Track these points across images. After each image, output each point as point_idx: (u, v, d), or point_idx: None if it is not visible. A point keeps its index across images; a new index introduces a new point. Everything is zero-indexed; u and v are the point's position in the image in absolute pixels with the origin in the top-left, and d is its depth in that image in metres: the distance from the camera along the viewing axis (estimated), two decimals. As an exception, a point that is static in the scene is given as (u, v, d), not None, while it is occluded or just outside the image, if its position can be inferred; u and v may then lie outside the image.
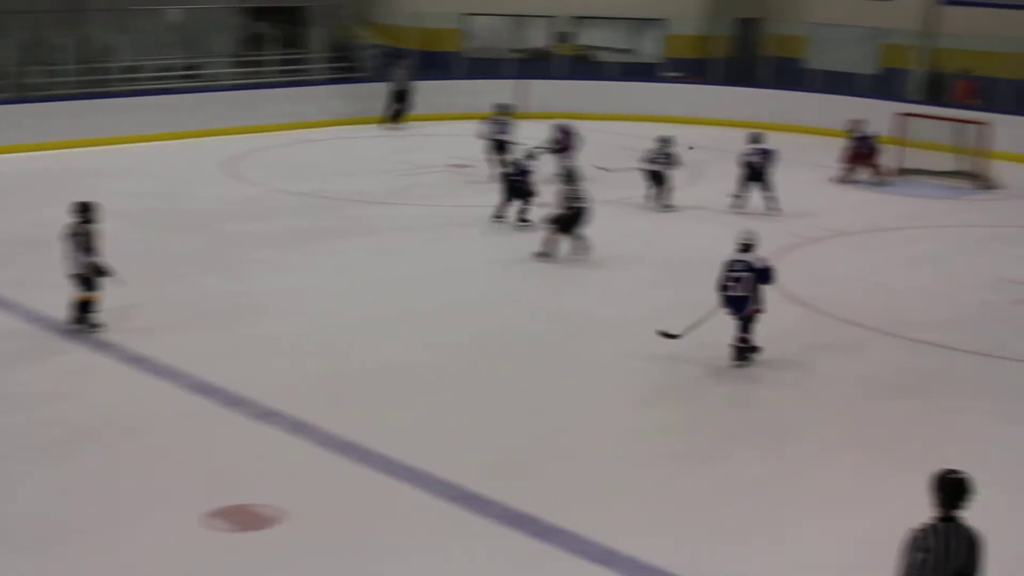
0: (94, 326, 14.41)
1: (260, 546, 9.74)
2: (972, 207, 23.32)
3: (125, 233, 17.75)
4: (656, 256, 18.89)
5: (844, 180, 24.87)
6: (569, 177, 18.83)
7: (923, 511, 7.31)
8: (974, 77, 30.09)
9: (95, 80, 28.55)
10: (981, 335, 15.49)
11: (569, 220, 18.34)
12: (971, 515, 7.25)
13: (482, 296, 16.69)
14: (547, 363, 14.26)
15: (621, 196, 22.10)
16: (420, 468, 11.06)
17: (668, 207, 21.90)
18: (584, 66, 33.31)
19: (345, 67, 32.67)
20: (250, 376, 13.24)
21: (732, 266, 14.02)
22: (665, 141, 22.17)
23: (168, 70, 30.18)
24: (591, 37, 34.10)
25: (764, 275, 14.01)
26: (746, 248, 14.09)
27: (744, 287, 13.91)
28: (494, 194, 20.75)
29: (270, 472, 11.04)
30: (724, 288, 14.02)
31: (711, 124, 29.28)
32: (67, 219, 14.28)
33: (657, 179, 22.09)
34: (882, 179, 24.89)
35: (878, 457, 11.76)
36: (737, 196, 22.10)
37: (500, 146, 24.29)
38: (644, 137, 25.89)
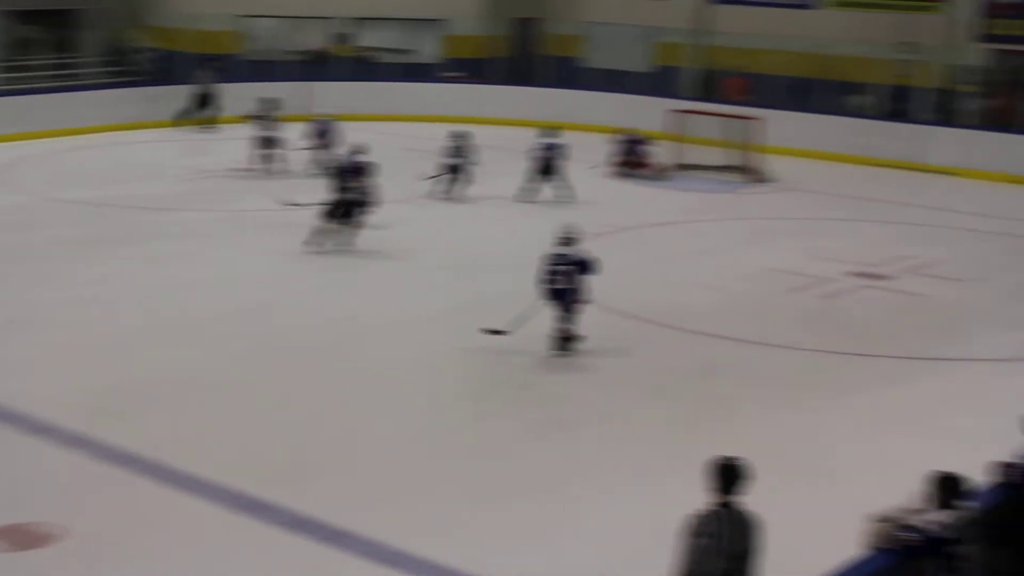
0: None
1: (38, 565, 9.46)
2: (746, 200, 23.98)
3: None
4: (448, 252, 18.97)
5: (617, 177, 25.45)
6: (338, 171, 19.13)
7: (704, 497, 7.50)
8: (744, 74, 30.94)
9: None
10: (756, 325, 15.94)
11: (339, 210, 18.57)
12: (749, 500, 7.47)
13: (266, 300, 16.48)
14: (333, 366, 14.18)
15: (407, 194, 22.09)
16: (203, 477, 10.89)
17: (459, 200, 22.41)
18: (364, 67, 33.20)
19: (120, 71, 31.95)
20: (21, 390, 12.83)
21: (554, 259, 14.35)
22: (460, 136, 22.76)
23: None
24: (370, 38, 33.99)
25: (586, 267, 14.34)
26: (567, 242, 14.42)
27: (566, 280, 14.22)
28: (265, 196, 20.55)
29: (46, 489, 10.73)
30: (547, 281, 14.29)
31: (493, 124, 29.45)
32: None
33: (454, 172, 22.75)
34: (659, 175, 25.44)
35: (660, 446, 12.01)
36: (526, 189, 22.59)
37: (267, 143, 24.58)
38: (426, 138, 26.11)
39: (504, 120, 30.05)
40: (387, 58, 33.29)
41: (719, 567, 7.33)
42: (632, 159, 25.44)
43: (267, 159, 24.44)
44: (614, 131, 25.81)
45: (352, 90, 30.62)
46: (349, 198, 18.62)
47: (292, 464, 11.40)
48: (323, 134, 24.82)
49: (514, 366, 14.17)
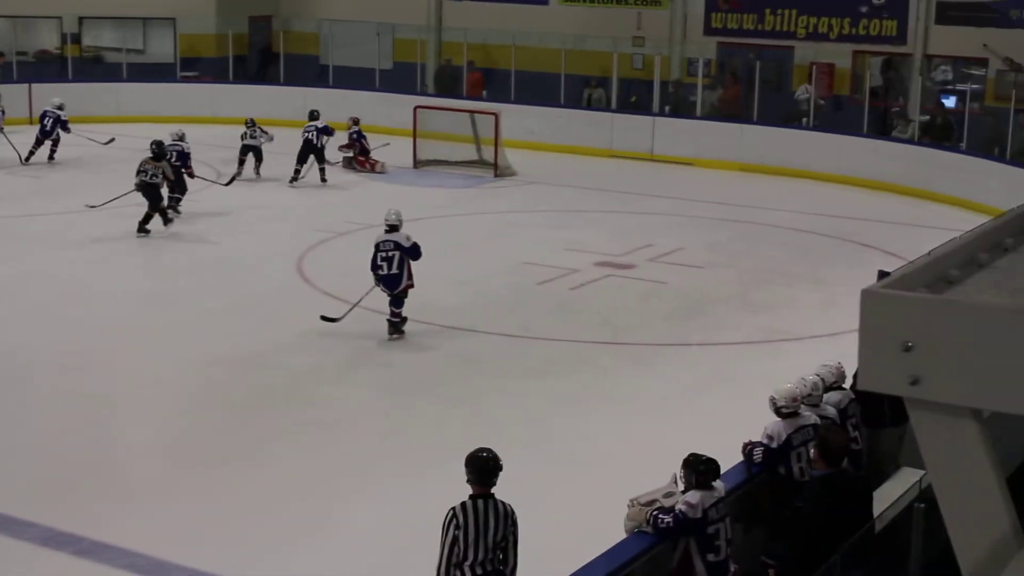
0: None
1: None
2: (488, 194, 24.24)
3: None
4: (181, 257, 18.59)
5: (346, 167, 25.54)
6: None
7: (466, 490, 7.60)
8: (482, 69, 31.24)
9: None
10: (509, 317, 16.13)
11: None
12: (505, 491, 7.59)
13: (12, 315, 15.90)
14: (85, 377, 13.75)
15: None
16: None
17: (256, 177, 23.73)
18: (95, 67, 32.29)
19: None
20: None
21: (383, 246, 14.73)
22: (253, 122, 24.06)
23: None
24: (100, 38, 33.07)
25: (412, 252, 14.74)
26: (393, 228, 14.88)
27: (395, 265, 14.55)
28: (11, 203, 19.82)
29: None
30: (378, 268, 14.70)
31: (233, 123, 28.97)
32: None
33: (257, 155, 23.89)
34: (375, 170, 25.39)
35: (421, 441, 12.07)
36: (297, 170, 23.73)
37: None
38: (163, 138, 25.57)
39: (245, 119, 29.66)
40: (119, 58, 32.34)
41: (478, 558, 7.45)
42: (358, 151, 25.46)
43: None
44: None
45: (82, 91, 29.67)
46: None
47: (44, 479, 11.06)
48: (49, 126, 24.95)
49: (272, 370, 14.03)
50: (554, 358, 14.73)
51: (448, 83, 31.56)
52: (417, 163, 26.15)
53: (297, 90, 30.76)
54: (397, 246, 14.68)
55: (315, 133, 23.79)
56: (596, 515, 8.98)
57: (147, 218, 19.40)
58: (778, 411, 9.02)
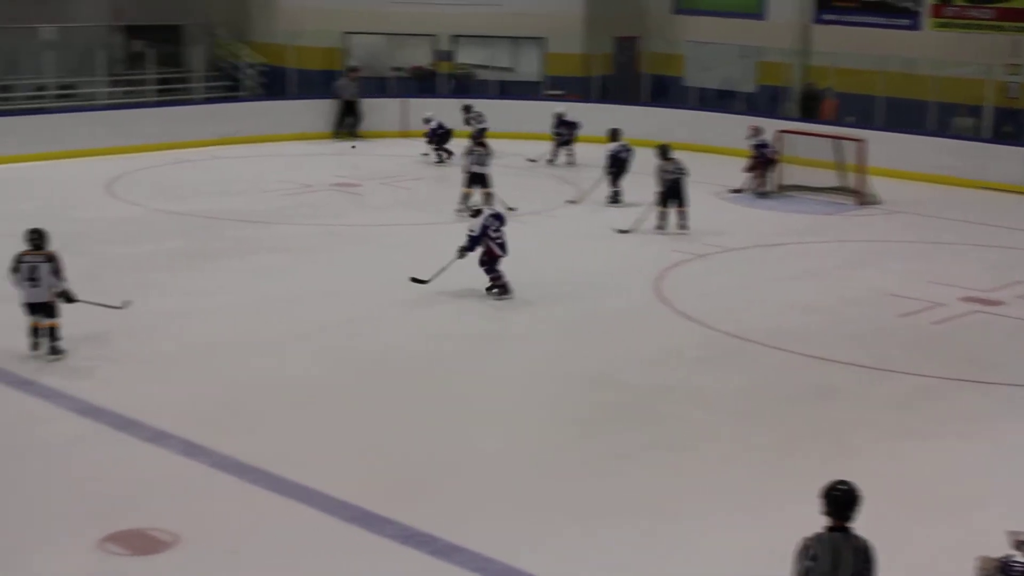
0: (58, 352, 14.21)
1: (155, 570, 9.58)
2: (851, 222, 23.70)
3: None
4: (540, 270, 18.92)
5: (754, 190, 25.36)
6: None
7: (817, 523, 7.42)
8: (843, 94, 30.63)
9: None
10: (867, 349, 15.68)
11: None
12: (863, 526, 7.37)
13: (370, 314, 16.56)
14: (438, 380, 14.20)
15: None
16: (316, 488, 10.95)
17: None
18: (465, 84, 33.33)
19: (224, 86, 32.38)
20: (139, 398, 13.02)
21: (494, 224, 17.09)
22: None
23: (43, 89, 29.66)
24: (471, 55, 34.12)
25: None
26: (477, 212, 17.43)
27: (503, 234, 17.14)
28: (380, 212, 20.65)
29: (163, 495, 10.86)
30: (496, 239, 17.00)
31: (593, 142, 29.34)
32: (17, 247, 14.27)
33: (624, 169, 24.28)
34: (764, 191, 25.30)
35: (771, 470, 11.87)
36: (615, 192, 24.11)
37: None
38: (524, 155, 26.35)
39: (604, 138, 29.98)
40: (488, 75, 33.38)
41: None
42: (763, 159, 25.34)
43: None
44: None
45: (453, 107, 30.74)
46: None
47: (402, 477, 11.43)
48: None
49: (617, 385, 14.11)
50: (913, 393, 14.22)
51: (809, 108, 31.10)
52: (780, 187, 25.82)
53: (655, 110, 30.92)
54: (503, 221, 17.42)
55: (627, 151, 24.17)
56: (947, 560, 8.64)
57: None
58: None
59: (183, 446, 11.81)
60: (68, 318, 14.53)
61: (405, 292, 17.33)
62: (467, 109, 28.33)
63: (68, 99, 29.81)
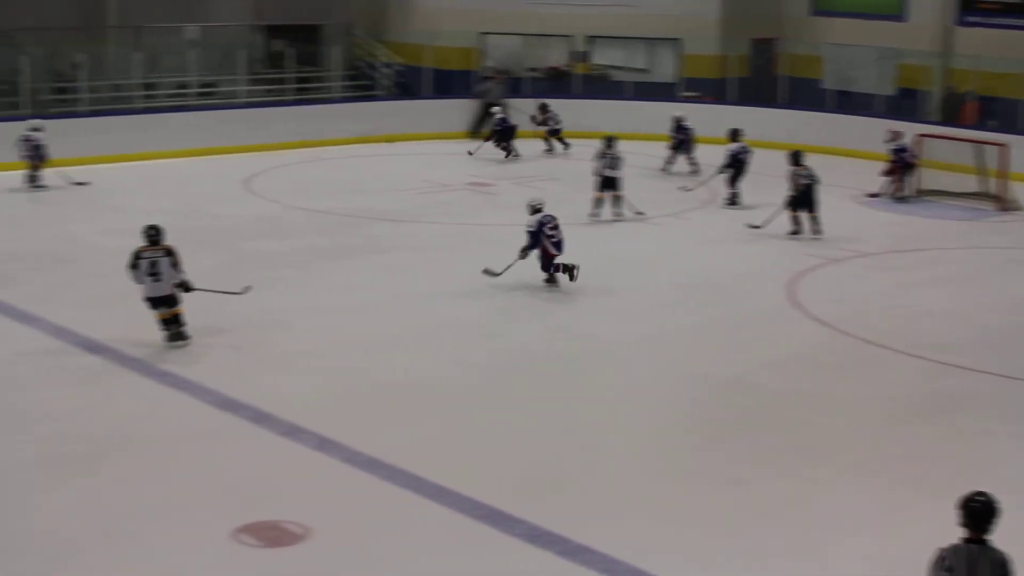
0: (185, 338, 14.62)
1: (288, 562, 9.73)
2: (992, 229, 23.23)
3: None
4: (671, 273, 18.84)
5: (891, 195, 25.02)
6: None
7: (953, 534, 7.29)
8: (979, 98, 30.02)
9: (111, 97, 28.68)
10: (1006, 357, 15.35)
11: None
12: (999, 539, 7.23)
13: (503, 314, 16.65)
14: (568, 381, 14.26)
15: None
16: (446, 486, 11.01)
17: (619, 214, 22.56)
18: (600, 85, 33.32)
19: (361, 85, 32.77)
20: (275, 393, 13.24)
21: (551, 221, 17.47)
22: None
23: (185, 87, 30.30)
24: (607, 56, 34.08)
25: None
26: (537, 210, 17.66)
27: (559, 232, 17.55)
28: (512, 212, 20.66)
29: (296, 488, 11.02)
30: (551, 237, 17.39)
31: (719, 144, 29.16)
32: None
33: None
34: (903, 196, 24.91)
35: (905, 479, 11.67)
36: (733, 193, 23.93)
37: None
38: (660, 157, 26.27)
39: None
40: (624, 76, 33.34)
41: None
42: (902, 163, 24.94)
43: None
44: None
45: (587, 108, 30.75)
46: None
47: (531, 477, 11.45)
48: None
49: (751, 389, 14.00)
50: (1056, 405, 13.94)
51: (951, 111, 30.53)
52: (919, 192, 25.38)
53: (793, 113, 30.62)
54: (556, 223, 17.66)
55: (747, 153, 23.95)
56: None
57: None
58: None
59: (317, 441, 11.97)
60: (203, 315, 14.85)
61: (536, 292, 17.39)
62: (543, 108, 28.47)
63: (209, 97, 30.41)
